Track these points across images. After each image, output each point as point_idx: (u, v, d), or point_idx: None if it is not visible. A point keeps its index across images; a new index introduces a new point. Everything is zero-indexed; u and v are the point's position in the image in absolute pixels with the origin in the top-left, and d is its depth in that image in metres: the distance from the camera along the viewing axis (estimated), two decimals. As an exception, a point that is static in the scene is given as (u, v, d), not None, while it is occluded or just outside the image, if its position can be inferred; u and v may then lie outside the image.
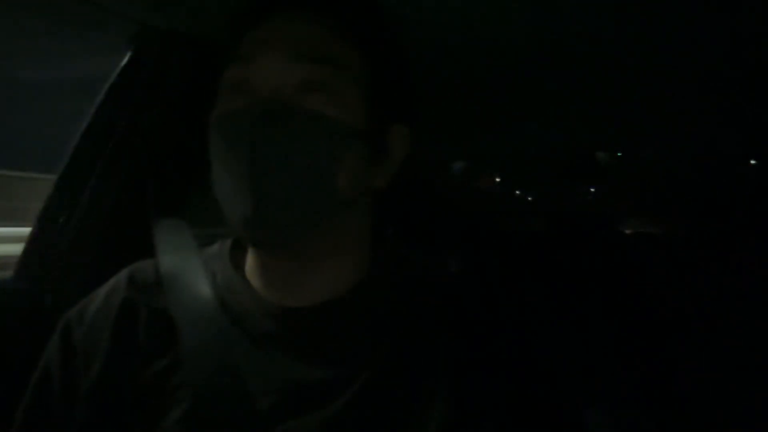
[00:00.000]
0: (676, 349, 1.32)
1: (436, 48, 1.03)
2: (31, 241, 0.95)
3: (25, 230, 0.98)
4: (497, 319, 0.59)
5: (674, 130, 1.81)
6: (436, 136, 1.75)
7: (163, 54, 0.96)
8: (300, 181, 0.52)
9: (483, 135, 2.02)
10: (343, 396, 0.53)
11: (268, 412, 0.53)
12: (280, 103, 0.52)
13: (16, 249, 0.96)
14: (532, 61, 1.14)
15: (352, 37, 0.56)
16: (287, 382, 0.54)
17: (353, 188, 0.55)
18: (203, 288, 0.60)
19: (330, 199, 0.54)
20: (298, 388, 0.54)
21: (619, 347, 1.36)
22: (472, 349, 0.56)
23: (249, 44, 0.55)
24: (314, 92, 0.53)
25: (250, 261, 0.61)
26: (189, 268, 0.62)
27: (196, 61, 0.97)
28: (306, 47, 0.54)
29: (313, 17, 0.55)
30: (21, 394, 0.61)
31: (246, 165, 0.51)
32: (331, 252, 0.58)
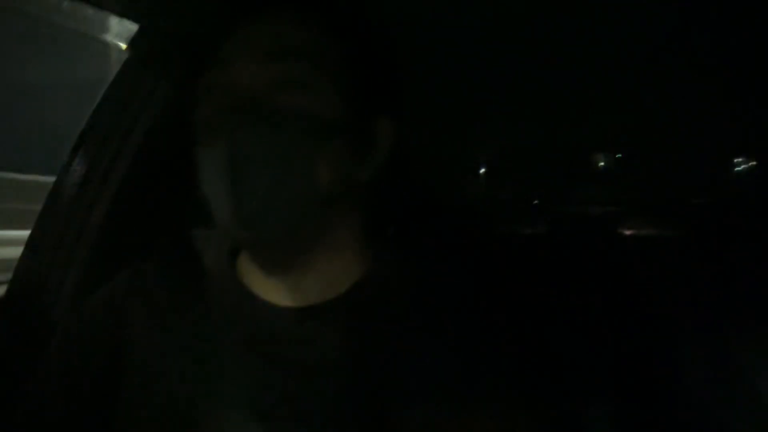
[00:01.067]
0: (676, 349, 1.32)
1: (436, 47, 1.03)
2: (31, 243, 0.95)
3: (25, 233, 0.98)
4: (497, 320, 0.59)
5: (675, 129, 1.81)
6: (436, 136, 1.75)
7: (163, 54, 0.96)
8: (279, 177, 0.52)
9: (483, 135, 2.02)
10: (342, 395, 0.53)
11: (267, 412, 0.53)
12: (255, 102, 0.53)
13: (16, 251, 0.96)
14: (532, 60, 1.14)
15: (328, 32, 0.56)
16: (285, 382, 0.54)
17: (335, 182, 0.55)
18: (202, 289, 0.60)
19: (311, 194, 0.54)
20: (296, 388, 0.54)
21: (619, 347, 1.35)
22: (472, 350, 0.56)
23: (227, 47, 0.55)
24: (290, 89, 0.53)
25: (248, 262, 0.61)
26: (188, 270, 0.62)
27: (196, 61, 0.97)
28: (281, 45, 0.54)
29: (289, 16, 0.56)
30: (21, 394, 0.61)
31: (225, 165, 0.52)
32: (322, 249, 0.58)
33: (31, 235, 0.95)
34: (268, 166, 0.52)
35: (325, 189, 0.55)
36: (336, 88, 0.55)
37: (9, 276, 0.95)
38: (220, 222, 0.54)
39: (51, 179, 0.98)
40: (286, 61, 0.54)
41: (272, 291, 0.58)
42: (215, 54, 0.56)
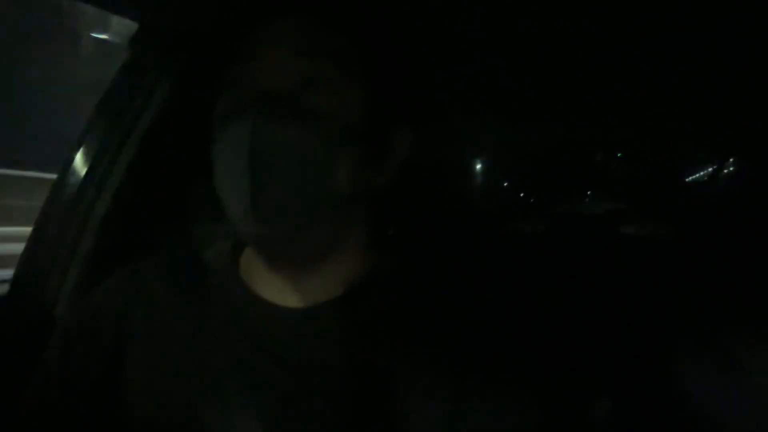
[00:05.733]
0: (675, 347, 1.33)
1: (436, 47, 1.03)
2: (31, 241, 0.95)
3: (26, 230, 0.98)
4: (497, 320, 0.60)
5: (674, 130, 1.81)
6: (436, 136, 1.75)
7: (163, 54, 0.96)
8: (298, 176, 0.52)
9: (483, 135, 2.02)
10: (344, 395, 0.53)
11: (268, 411, 0.53)
12: (280, 99, 0.52)
13: (16, 248, 0.96)
14: (532, 60, 1.14)
15: (354, 35, 0.56)
16: (287, 381, 0.54)
17: (352, 186, 0.55)
18: (203, 288, 0.60)
19: (328, 196, 0.54)
20: (297, 388, 0.54)
21: (618, 345, 1.36)
22: (472, 349, 0.56)
23: (252, 42, 0.55)
24: (314, 89, 0.53)
25: (251, 260, 0.61)
26: (189, 269, 0.62)
27: (196, 61, 0.97)
28: (307, 45, 0.54)
29: (315, 16, 0.56)
30: (22, 394, 0.61)
31: (245, 160, 0.51)
32: (331, 251, 0.58)
33: (32, 234, 0.95)
34: (287, 162, 0.52)
35: (341, 191, 0.55)
36: (361, 92, 0.55)
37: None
38: (233, 217, 0.54)
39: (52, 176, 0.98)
40: (314, 60, 0.54)
41: (274, 290, 0.58)
42: (241, 46, 0.56)
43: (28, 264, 0.94)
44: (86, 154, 0.96)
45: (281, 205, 0.52)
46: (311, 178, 0.53)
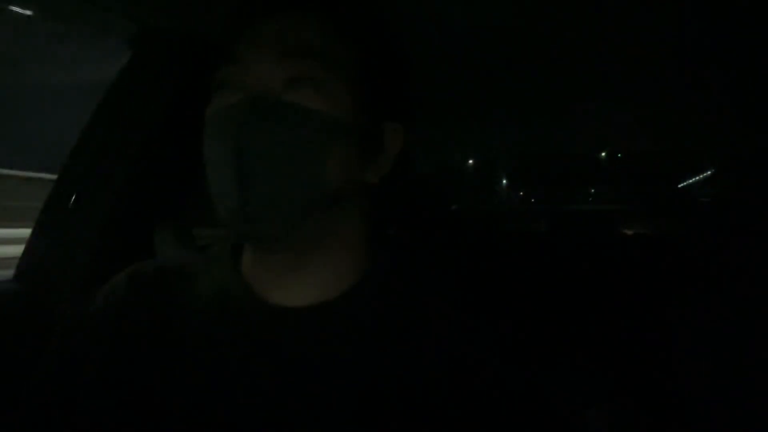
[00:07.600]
0: (676, 349, 1.32)
1: (438, 47, 1.03)
2: (31, 242, 0.95)
3: (26, 231, 0.98)
4: (498, 319, 0.60)
5: (674, 130, 1.81)
6: (438, 136, 1.75)
7: (163, 54, 0.96)
8: (286, 174, 0.53)
9: (484, 135, 2.02)
10: (339, 397, 0.53)
11: (265, 412, 0.53)
12: (266, 98, 0.53)
13: (16, 249, 0.96)
14: (533, 60, 1.14)
15: (342, 32, 0.56)
16: (284, 382, 0.54)
17: (342, 183, 0.55)
18: (202, 289, 0.60)
19: (317, 193, 0.54)
20: (294, 389, 0.54)
21: (619, 345, 1.36)
22: (472, 351, 0.56)
23: (239, 43, 0.56)
24: (302, 87, 0.53)
25: (248, 262, 0.61)
26: (188, 269, 0.62)
27: (196, 61, 0.97)
28: (294, 43, 0.54)
29: (303, 14, 0.56)
30: (21, 394, 0.61)
31: (233, 159, 0.52)
32: (324, 250, 0.58)
33: (32, 234, 0.95)
34: (276, 162, 0.52)
35: (331, 189, 0.55)
36: (348, 89, 0.55)
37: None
38: (226, 218, 0.54)
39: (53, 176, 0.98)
40: (300, 59, 0.54)
41: (273, 290, 0.58)
42: (227, 50, 0.56)
43: (29, 265, 0.94)
44: (87, 155, 0.96)
45: (269, 203, 0.53)
46: (299, 176, 0.53)
